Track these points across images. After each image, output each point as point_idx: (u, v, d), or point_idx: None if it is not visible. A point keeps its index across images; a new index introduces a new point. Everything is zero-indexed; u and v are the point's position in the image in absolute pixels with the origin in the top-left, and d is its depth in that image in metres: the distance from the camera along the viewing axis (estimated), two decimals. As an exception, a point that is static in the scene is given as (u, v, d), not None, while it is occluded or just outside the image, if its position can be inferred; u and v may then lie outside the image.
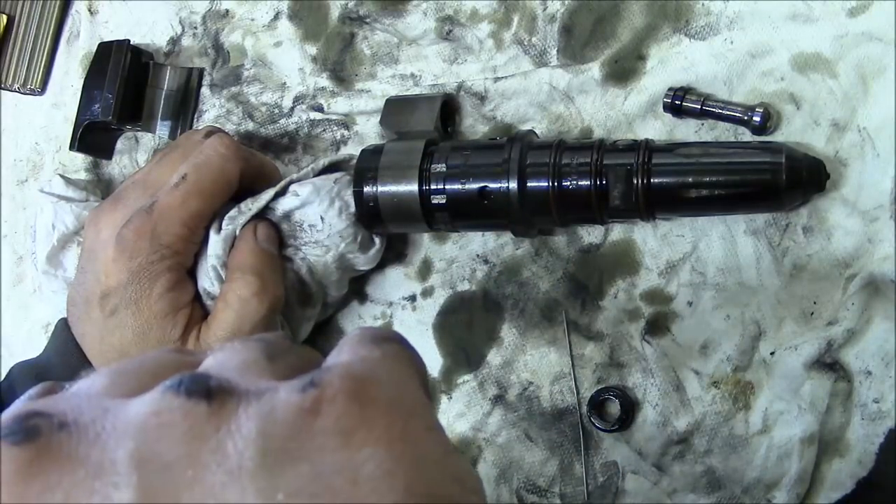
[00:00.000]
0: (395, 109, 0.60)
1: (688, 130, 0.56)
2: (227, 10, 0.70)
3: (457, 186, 0.54)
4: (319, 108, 0.66)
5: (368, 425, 0.23)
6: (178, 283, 0.55)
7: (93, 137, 0.69)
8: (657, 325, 0.56)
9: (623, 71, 0.58)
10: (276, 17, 0.68)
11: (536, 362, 0.58)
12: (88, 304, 0.56)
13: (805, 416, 0.51)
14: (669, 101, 0.55)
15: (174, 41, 0.71)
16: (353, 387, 0.24)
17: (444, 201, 0.55)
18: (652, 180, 0.51)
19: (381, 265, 0.61)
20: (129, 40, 0.67)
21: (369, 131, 0.64)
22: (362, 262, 0.59)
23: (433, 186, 0.55)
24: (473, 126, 0.61)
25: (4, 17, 0.75)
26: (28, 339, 0.73)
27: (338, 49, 0.66)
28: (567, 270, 0.58)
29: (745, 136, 0.54)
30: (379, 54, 0.64)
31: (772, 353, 0.53)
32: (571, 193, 0.52)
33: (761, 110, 0.52)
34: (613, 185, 0.51)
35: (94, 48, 0.69)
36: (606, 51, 0.58)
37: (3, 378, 0.60)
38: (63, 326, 0.58)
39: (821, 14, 0.53)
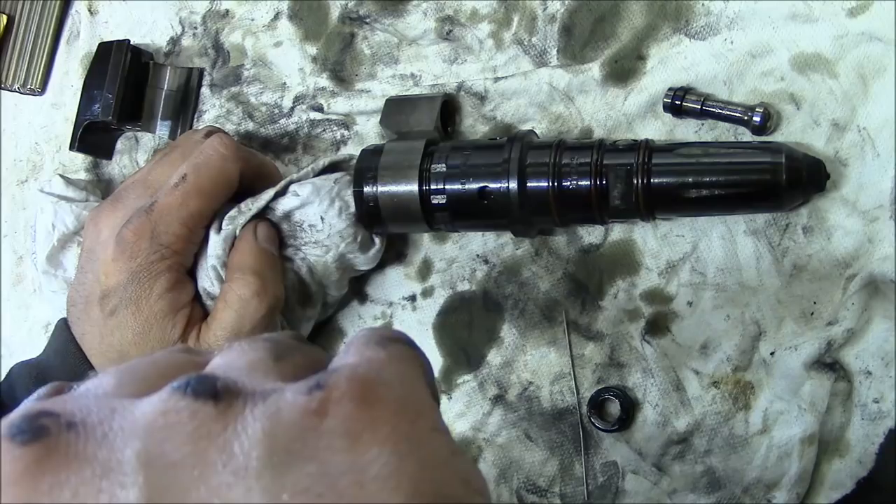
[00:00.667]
0: (395, 109, 0.60)
1: (688, 130, 0.56)
2: (227, 10, 0.70)
3: (457, 186, 0.54)
4: (319, 108, 0.66)
5: (374, 427, 0.23)
6: (177, 283, 0.55)
7: (93, 137, 0.69)
8: (657, 325, 0.56)
9: (623, 71, 0.58)
10: (276, 17, 0.68)
11: (536, 362, 0.58)
12: (88, 304, 0.56)
13: (805, 416, 0.51)
14: (669, 101, 0.55)
15: (174, 41, 0.71)
16: (359, 388, 0.24)
17: (444, 201, 0.55)
18: (652, 180, 0.51)
19: (381, 265, 0.61)
20: (129, 40, 0.67)
21: (369, 131, 0.64)
22: (362, 262, 0.59)
23: (433, 186, 0.55)
24: (473, 126, 0.61)
25: (4, 17, 0.75)
26: (28, 339, 0.73)
27: (338, 49, 0.66)
28: (567, 270, 0.58)
29: (745, 136, 0.54)
30: (379, 54, 0.64)
31: (772, 353, 0.53)
32: (571, 193, 0.52)
33: (761, 110, 0.52)
34: (613, 185, 0.51)
35: (94, 48, 0.69)
36: (606, 51, 0.58)
37: (3, 378, 0.60)
38: (63, 326, 0.58)
39: (821, 14, 0.53)
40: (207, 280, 0.56)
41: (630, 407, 0.55)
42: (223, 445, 0.22)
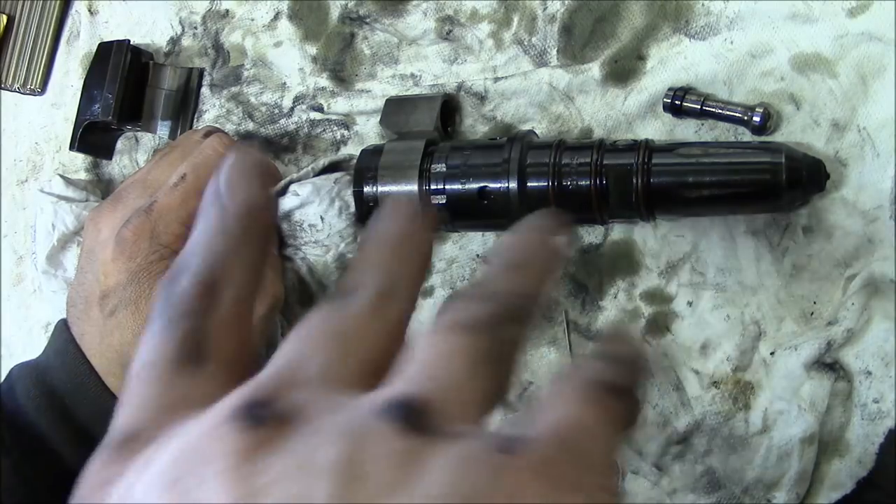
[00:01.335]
0: (395, 109, 0.60)
1: (688, 130, 0.56)
2: (227, 10, 0.70)
3: (457, 186, 0.54)
4: (319, 108, 0.66)
5: (558, 497, 0.23)
6: None
7: (93, 137, 0.69)
8: (657, 325, 0.56)
9: (623, 71, 0.58)
10: (276, 17, 0.68)
11: (536, 362, 0.58)
12: (88, 304, 0.56)
13: (805, 416, 0.51)
14: (669, 101, 0.55)
15: (174, 41, 0.71)
16: (555, 463, 0.23)
17: (444, 201, 0.55)
18: (652, 180, 0.51)
19: (381, 265, 0.61)
20: (129, 40, 0.67)
21: (369, 131, 0.64)
22: (362, 262, 0.59)
23: (433, 186, 0.55)
24: (473, 126, 0.61)
25: (4, 17, 0.75)
26: (28, 339, 0.73)
27: (338, 49, 0.66)
28: (567, 270, 0.58)
29: (745, 136, 0.54)
30: (379, 54, 0.64)
31: (772, 353, 0.53)
32: (571, 193, 0.52)
33: (761, 110, 0.52)
34: (613, 185, 0.51)
35: (94, 48, 0.69)
36: (606, 51, 0.58)
37: (3, 379, 0.60)
38: (63, 327, 0.58)
39: (821, 14, 0.53)
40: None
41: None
42: (410, 474, 0.22)
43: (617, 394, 0.26)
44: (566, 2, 0.59)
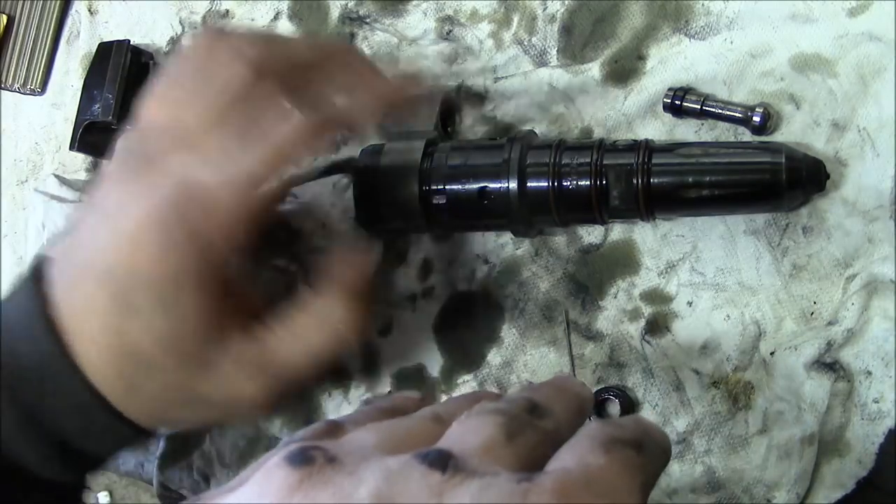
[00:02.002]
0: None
1: (688, 130, 0.56)
2: (227, 10, 0.70)
3: (457, 186, 0.54)
4: (319, 108, 0.65)
5: None
6: None
7: (93, 137, 0.69)
8: (657, 325, 0.56)
9: (623, 71, 0.58)
10: (276, 17, 0.68)
11: (536, 362, 0.58)
12: (83, 279, 0.55)
13: (805, 416, 0.51)
14: (669, 101, 0.55)
15: (174, 41, 0.71)
16: (576, 490, 0.27)
17: (444, 201, 0.55)
18: (652, 180, 0.51)
19: (380, 265, 0.61)
20: (129, 40, 0.68)
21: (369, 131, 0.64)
22: (362, 262, 0.59)
23: (433, 186, 0.55)
24: (473, 126, 0.61)
25: (4, 17, 0.75)
26: (28, 339, 0.73)
27: (338, 49, 0.66)
28: (567, 270, 0.58)
29: (745, 136, 0.54)
30: (379, 54, 0.64)
31: (772, 353, 0.53)
32: (571, 193, 0.52)
33: (761, 110, 0.52)
34: (613, 185, 0.51)
35: (94, 48, 0.69)
36: (606, 51, 0.58)
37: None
38: (32, 287, 0.51)
39: (821, 14, 0.53)
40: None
41: (630, 407, 0.55)
42: (441, 500, 0.27)
43: (626, 443, 0.29)
44: (566, 2, 0.59)
